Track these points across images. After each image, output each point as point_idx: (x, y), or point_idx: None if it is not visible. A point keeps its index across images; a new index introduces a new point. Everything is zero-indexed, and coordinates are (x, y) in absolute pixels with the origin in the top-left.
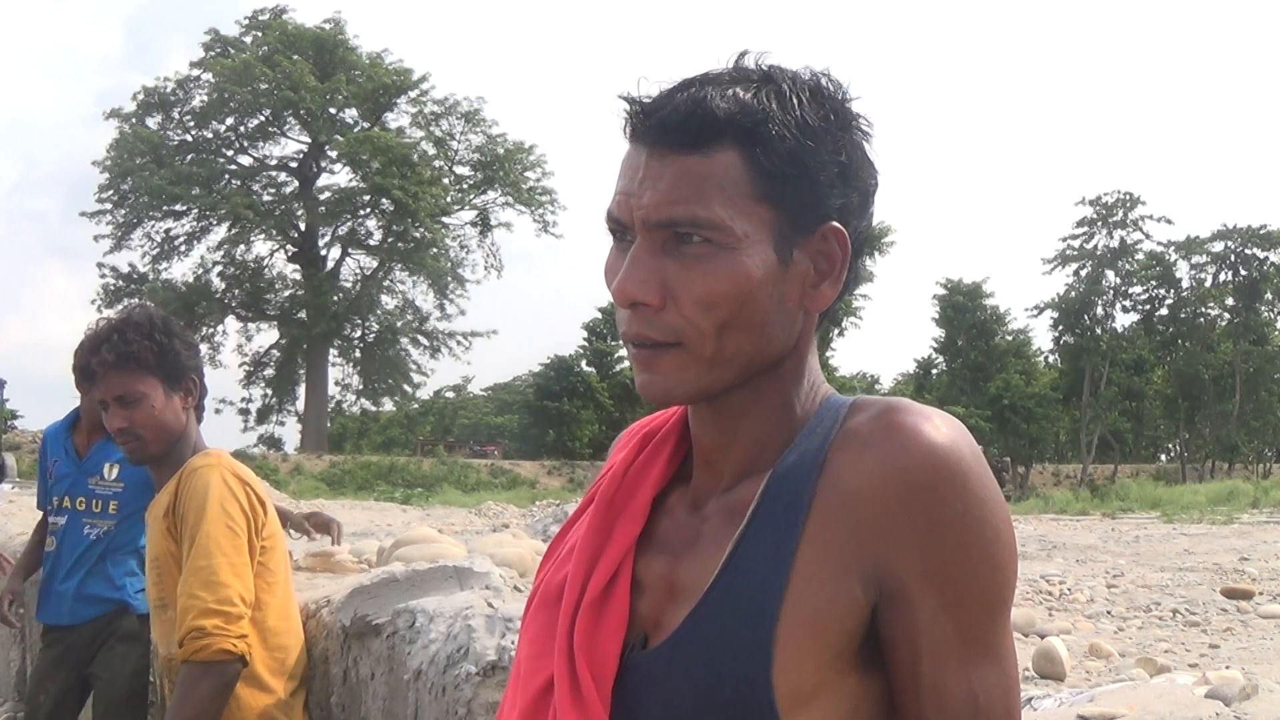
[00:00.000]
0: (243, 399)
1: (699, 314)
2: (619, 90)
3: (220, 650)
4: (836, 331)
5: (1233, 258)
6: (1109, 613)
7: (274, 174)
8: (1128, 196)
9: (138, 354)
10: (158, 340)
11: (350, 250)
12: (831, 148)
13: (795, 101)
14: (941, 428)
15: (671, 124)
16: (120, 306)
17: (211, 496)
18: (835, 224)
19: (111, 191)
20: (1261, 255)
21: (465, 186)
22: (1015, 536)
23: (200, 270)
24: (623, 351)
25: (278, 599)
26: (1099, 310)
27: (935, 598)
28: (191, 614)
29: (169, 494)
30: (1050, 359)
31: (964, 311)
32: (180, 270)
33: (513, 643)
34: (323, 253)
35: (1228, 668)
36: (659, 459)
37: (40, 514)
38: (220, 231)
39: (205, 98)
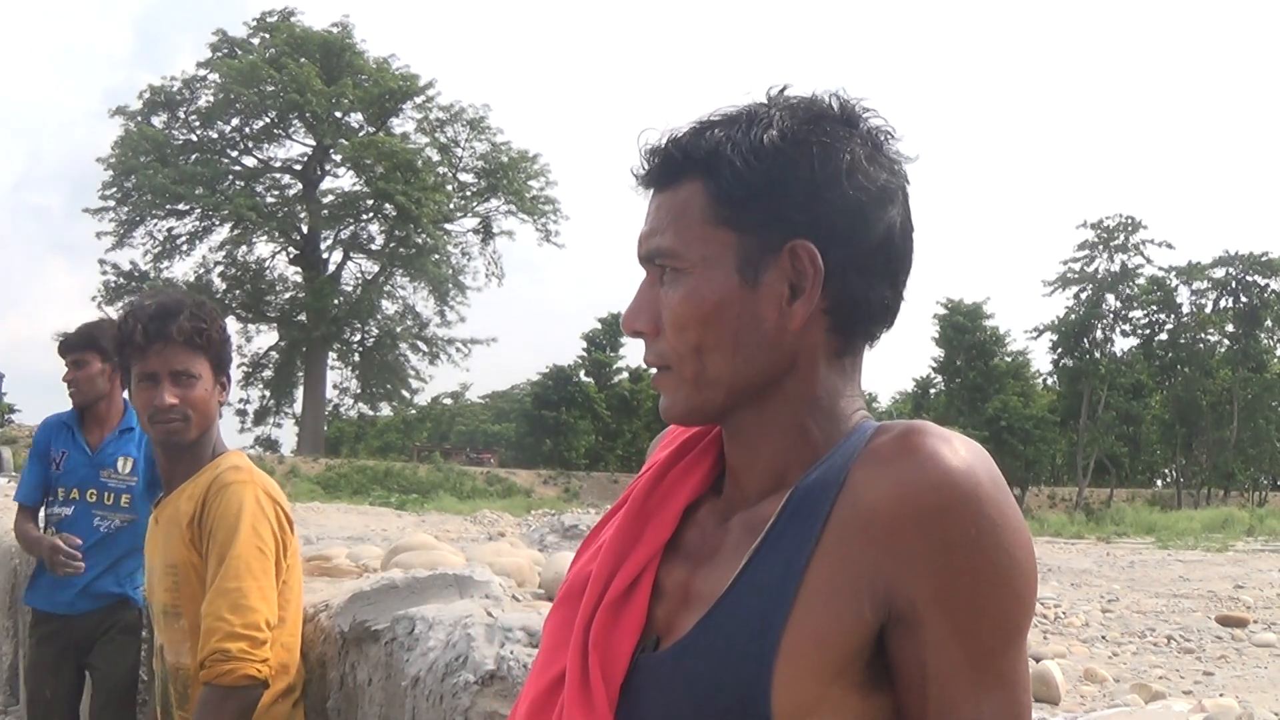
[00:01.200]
0: (240, 400)
1: (676, 337)
2: (627, 109)
3: (245, 675)
4: None
5: (1234, 284)
6: (1104, 638)
7: (277, 176)
8: (1129, 220)
9: (208, 331)
10: (221, 325)
11: (352, 254)
12: (791, 165)
13: (760, 127)
14: (960, 450)
15: (654, 166)
16: (125, 299)
17: (245, 516)
18: (801, 241)
19: (115, 189)
20: (1262, 282)
21: (468, 193)
22: (1035, 564)
23: (201, 270)
24: (621, 363)
25: (291, 617)
26: (1098, 334)
27: (945, 622)
28: (217, 636)
29: (193, 503)
30: (1049, 381)
31: (964, 332)
32: (181, 269)
33: (512, 653)
34: (324, 256)
35: (1222, 695)
36: (698, 470)
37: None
38: (222, 232)
39: (211, 98)
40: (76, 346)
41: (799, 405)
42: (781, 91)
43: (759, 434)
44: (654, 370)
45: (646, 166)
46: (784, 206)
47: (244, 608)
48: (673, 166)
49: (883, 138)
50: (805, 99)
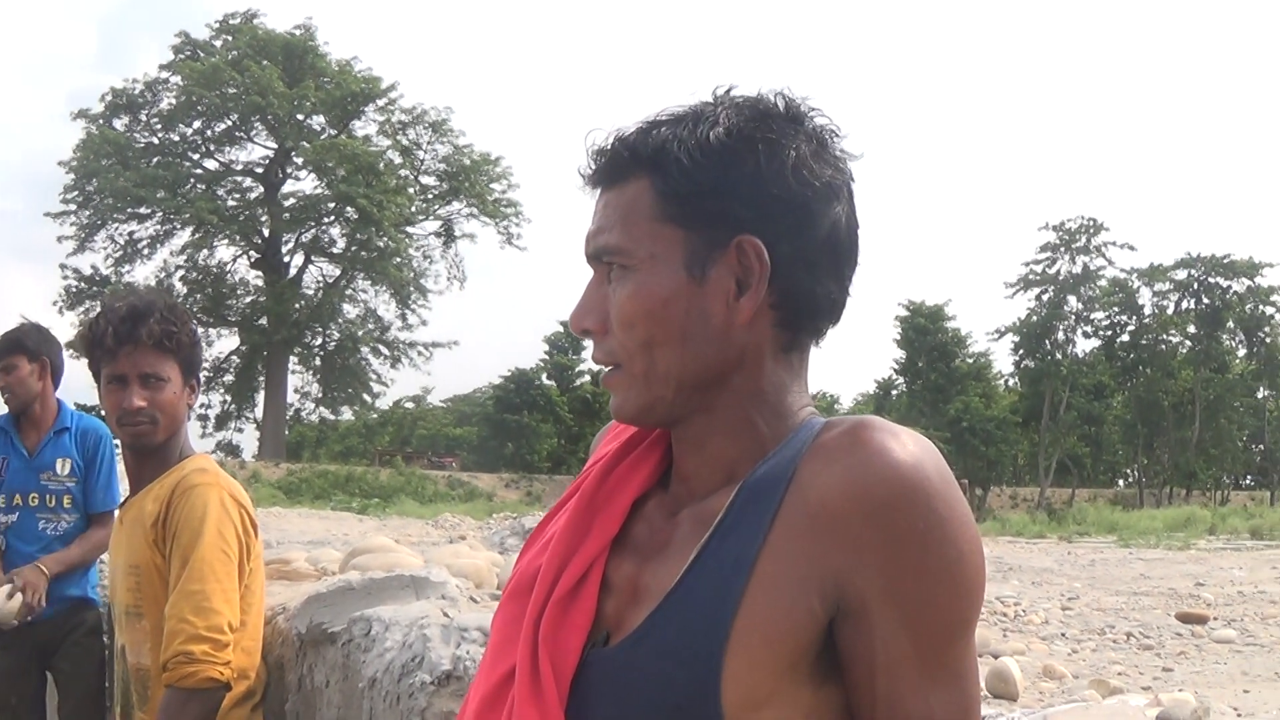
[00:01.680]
0: (202, 405)
1: (624, 334)
2: (590, 112)
3: (207, 678)
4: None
5: (1195, 285)
6: (1063, 635)
7: (239, 179)
8: (1091, 222)
9: (177, 335)
10: (191, 329)
11: (313, 258)
12: (737, 161)
13: (706, 125)
14: (909, 445)
15: (600, 165)
16: (86, 304)
17: (210, 519)
18: (748, 237)
19: (76, 193)
20: (1224, 284)
21: (430, 196)
22: (984, 558)
23: (163, 274)
24: (583, 366)
25: (253, 621)
26: (1060, 335)
27: (894, 615)
28: (180, 638)
29: (159, 504)
30: (1010, 382)
31: (925, 333)
32: (143, 273)
33: (468, 653)
34: (286, 259)
35: (1180, 691)
36: (645, 464)
37: None
38: (184, 235)
39: (173, 101)
40: (3, 352)
41: (746, 400)
42: (728, 91)
43: (707, 429)
44: (603, 370)
45: (593, 166)
46: (730, 202)
47: (207, 610)
48: (620, 165)
49: (827, 136)
50: (751, 98)
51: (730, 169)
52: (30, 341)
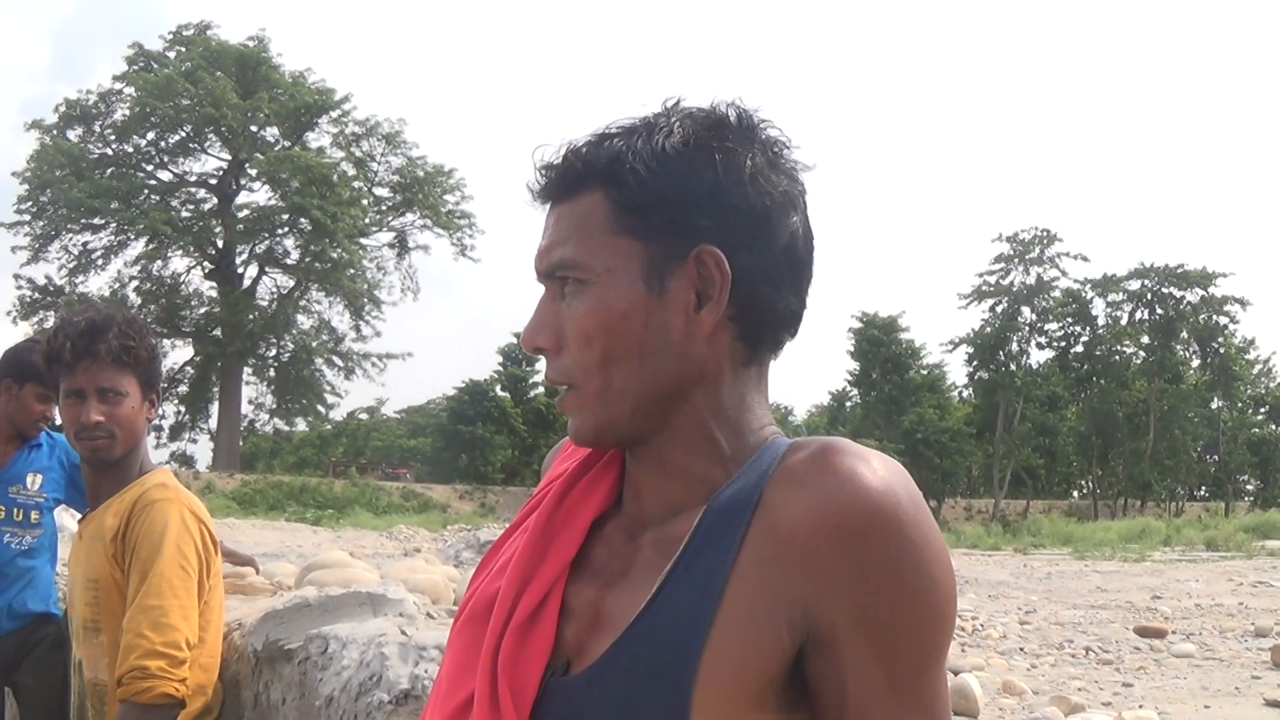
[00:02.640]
0: (157, 416)
1: (579, 351)
2: (543, 124)
3: (162, 694)
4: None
5: (1149, 296)
6: (1022, 649)
7: (193, 190)
8: (1045, 233)
9: (136, 350)
10: (150, 343)
11: (267, 269)
12: (694, 171)
13: (660, 135)
14: (879, 470)
15: (552, 179)
16: (40, 314)
17: (169, 534)
18: (708, 247)
19: (30, 203)
20: (1178, 294)
21: (384, 208)
22: (955, 583)
23: (117, 285)
24: (537, 378)
25: (211, 638)
26: (1014, 346)
27: (865, 645)
28: (136, 653)
29: (118, 519)
30: (964, 394)
31: (879, 345)
32: (97, 284)
33: (426, 671)
34: (240, 271)
35: (1141, 707)
36: (603, 484)
37: None
38: (138, 246)
39: (127, 112)
40: None
41: (707, 416)
42: (678, 103)
43: (666, 446)
44: (555, 390)
45: (543, 180)
46: (688, 212)
47: (164, 625)
48: (572, 177)
49: (779, 147)
50: (704, 109)
51: (688, 178)
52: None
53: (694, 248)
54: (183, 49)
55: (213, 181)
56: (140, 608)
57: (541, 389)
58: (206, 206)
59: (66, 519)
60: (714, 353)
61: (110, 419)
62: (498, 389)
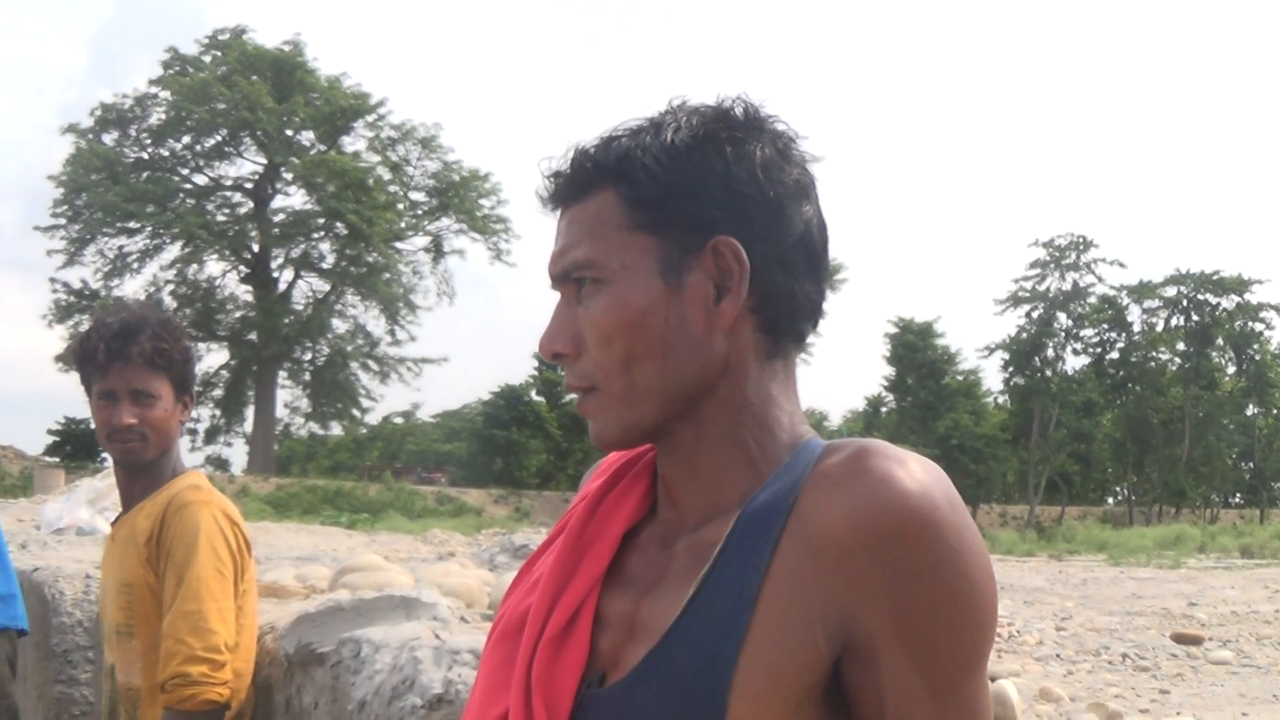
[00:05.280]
0: (190, 419)
1: (601, 352)
2: (578, 127)
3: (206, 700)
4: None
5: (1185, 303)
6: (1058, 656)
7: (228, 194)
8: (1081, 239)
9: (169, 353)
10: (184, 345)
11: (302, 273)
12: (705, 162)
13: (669, 130)
14: (916, 473)
15: (562, 182)
16: (80, 317)
17: (203, 536)
18: (723, 237)
19: (66, 207)
20: (1214, 301)
21: (420, 212)
22: (995, 588)
23: (152, 288)
24: None
25: (245, 641)
26: (1050, 352)
27: (904, 652)
28: (178, 659)
29: (151, 521)
30: (1000, 400)
31: (915, 350)
32: (132, 288)
33: (459, 675)
34: (275, 275)
35: (1179, 714)
36: (633, 494)
37: None
38: (173, 250)
39: (163, 116)
40: None
41: (734, 411)
42: (684, 102)
43: (695, 446)
44: (577, 396)
45: (552, 185)
46: (702, 204)
47: (204, 630)
48: (582, 179)
49: (787, 139)
50: (709, 104)
51: (699, 170)
52: None
53: (710, 239)
54: (218, 53)
55: (248, 185)
56: (179, 613)
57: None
58: (242, 210)
59: (100, 522)
60: (736, 345)
61: (143, 421)
62: (533, 393)
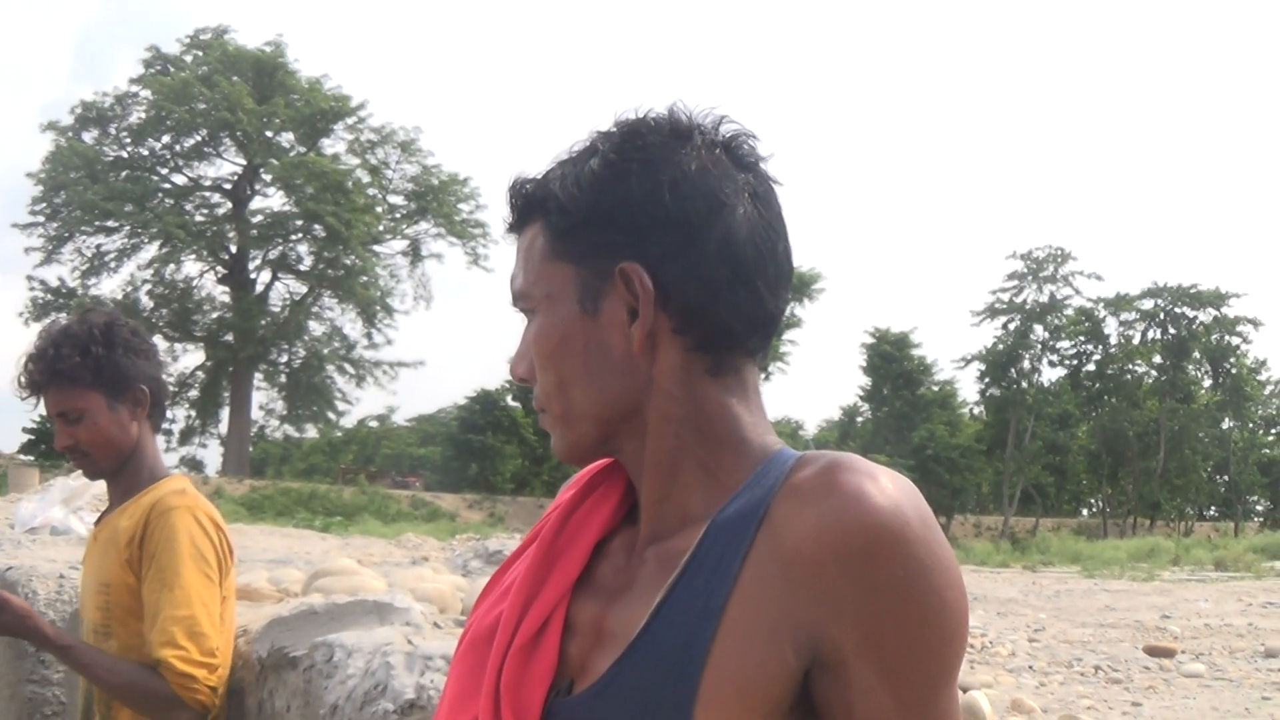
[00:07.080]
0: (166, 420)
1: (540, 377)
2: (559, 133)
3: (197, 700)
4: (762, 376)
5: (1162, 316)
6: (1031, 667)
7: (207, 194)
8: (1059, 252)
9: (70, 371)
10: (94, 353)
11: (280, 275)
12: (612, 188)
13: (587, 156)
14: (887, 488)
15: (511, 214)
16: (56, 315)
17: (190, 541)
18: (628, 263)
19: (44, 204)
20: (1191, 314)
21: (398, 216)
22: (966, 602)
23: (129, 288)
24: None
25: (223, 645)
26: (1026, 364)
27: (873, 668)
28: (181, 663)
29: (134, 523)
30: (975, 411)
31: (891, 360)
32: (109, 287)
33: (432, 681)
34: (252, 276)
35: None
36: (606, 504)
37: None
38: (151, 250)
39: (142, 115)
40: None
41: (674, 426)
42: (626, 119)
43: (641, 462)
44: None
45: (510, 215)
46: (608, 231)
47: (199, 634)
48: (520, 210)
49: (732, 143)
50: (633, 121)
51: (604, 197)
52: None
53: (616, 265)
54: (200, 53)
55: (227, 186)
56: (171, 618)
57: None
58: (220, 211)
59: (74, 522)
60: (664, 365)
61: (78, 440)
62: (508, 399)
